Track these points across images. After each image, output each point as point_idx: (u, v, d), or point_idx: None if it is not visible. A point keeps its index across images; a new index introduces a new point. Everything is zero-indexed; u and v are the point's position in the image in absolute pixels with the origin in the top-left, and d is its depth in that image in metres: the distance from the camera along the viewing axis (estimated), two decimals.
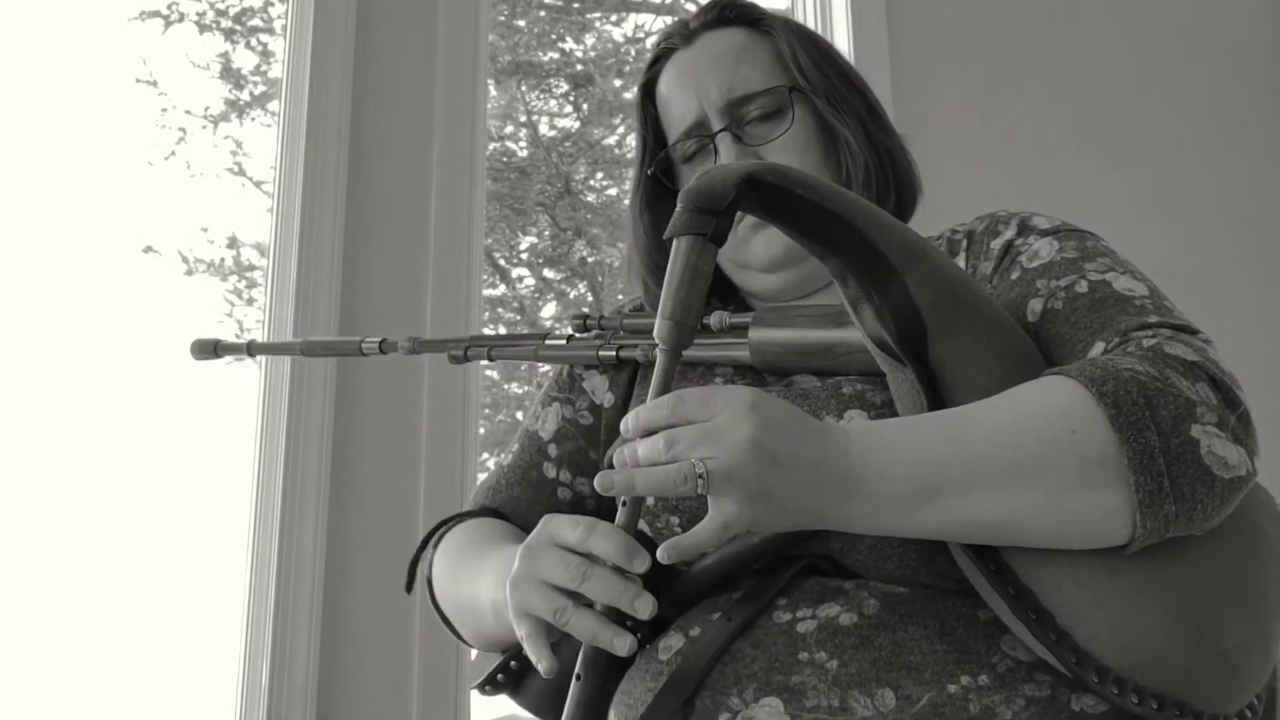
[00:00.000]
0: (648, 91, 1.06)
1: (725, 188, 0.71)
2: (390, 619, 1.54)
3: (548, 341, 1.02)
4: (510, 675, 0.92)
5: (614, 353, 0.98)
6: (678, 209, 0.72)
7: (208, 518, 1.81)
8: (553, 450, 1.04)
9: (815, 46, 1.02)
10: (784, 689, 0.72)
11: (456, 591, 0.95)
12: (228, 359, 1.10)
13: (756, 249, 0.98)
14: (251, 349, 1.08)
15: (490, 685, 0.93)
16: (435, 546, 1.00)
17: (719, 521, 0.67)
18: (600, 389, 1.04)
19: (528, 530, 1.01)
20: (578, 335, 1.02)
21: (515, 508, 1.04)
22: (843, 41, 2.04)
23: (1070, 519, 0.68)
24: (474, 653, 1.01)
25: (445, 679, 1.55)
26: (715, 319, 0.95)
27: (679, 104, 1.01)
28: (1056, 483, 0.68)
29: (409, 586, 1.03)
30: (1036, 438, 0.69)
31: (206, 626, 1.70)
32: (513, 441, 1.08)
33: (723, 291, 1.08)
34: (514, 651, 0.91)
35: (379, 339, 1.03)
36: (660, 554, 0.68)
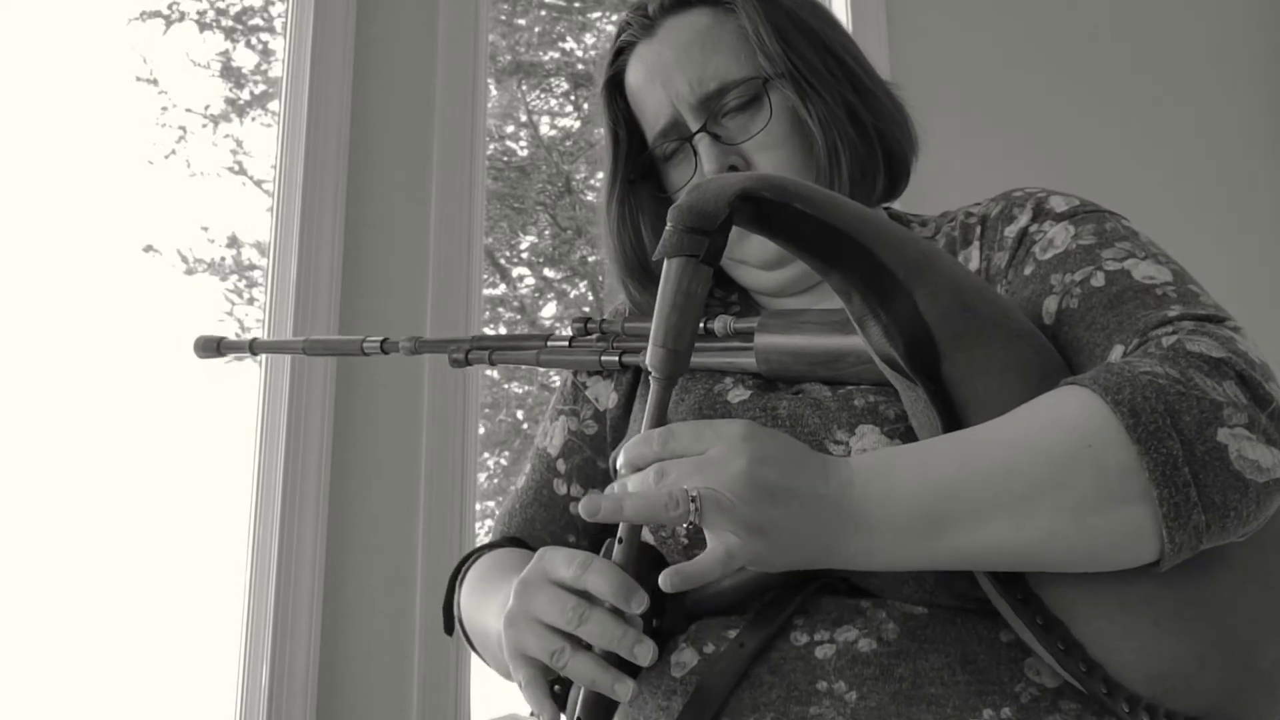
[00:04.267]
0: (616, 84, 1.00)
1: (718, 206, 0.67)
2: (390, 619, 1.54)
3: (549, 344, 0.99)
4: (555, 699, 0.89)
5: (617, 358, 0.95)
6: (668, 228, 0.68)
7: (208, 517, 1.81)
8: (561, 466, 1.01)
9: (785, 15, 0.94)
10: None
11: (475, 626, 0.92)
12: (229, 358, 1.10)
13: (752, 247, 0.94)
14: (254, 347, 1.07)
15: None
16: (461, 585, 0.98)
17: (722, 550, 0.63)
18: (604, 394, 1.01)
19: None
20: (579, 338, 0.98)
21: (531, 530, 1.02)
22: None
23: (1092, 539, 0.64)
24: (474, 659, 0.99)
25: (445, 679, 1.54)
26: (720, 324, 0.90)
27: (650, 102, 0.96)
28: (1074, 502, 0.64)
29: (449, 629, 1.00)
30: (1049, 456, 0.64)
31: (206, 626, 1.70)
32: (526, 462, 1.06)
33: (724, 279, 1.03)
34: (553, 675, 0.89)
35: (380, 339, 1.02)
36: (662, 581, 0.64)
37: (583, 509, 0.66)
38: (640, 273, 1.00)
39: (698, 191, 0.69)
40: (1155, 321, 0.72)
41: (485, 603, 0.89)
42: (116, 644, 1.69)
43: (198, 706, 1.65)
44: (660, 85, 0.94)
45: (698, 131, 0.93)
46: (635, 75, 0.97)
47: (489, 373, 2.95)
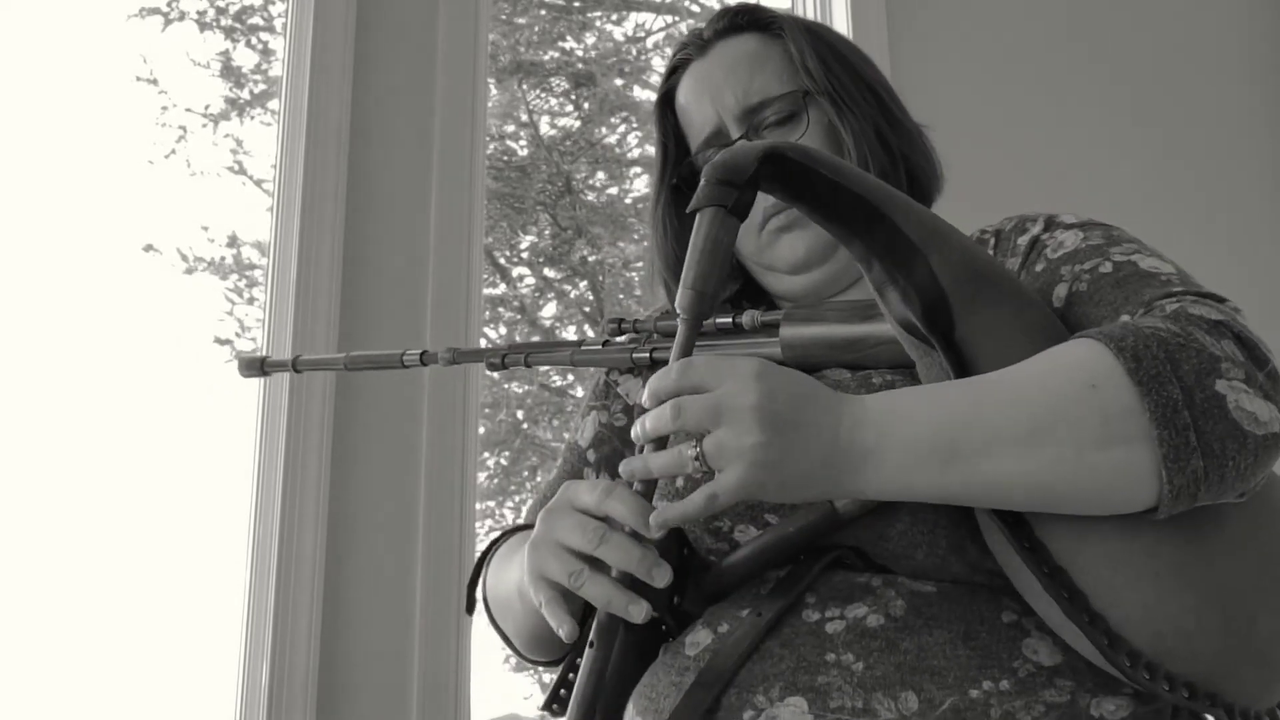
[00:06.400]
0: (668, 100, 1.07)
1: (747, 161, 0.73)
2: (390, 619, 1.54)
3: (583, 347, 1.03)
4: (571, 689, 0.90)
5: (647, 354, 0.99)
6: (701, 182, 0.74)
7: (208, 517, 1.81)
8: (591, 456, 1.05)
9: (826, 46, 1.03)
10: (809, 689, 0.72)
11: (500, 589, 0.96)
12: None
13: (782, 251, 1.00)
14: (297, 365, 1.07)
15: (557, 704, 0.91)
16: (488, 565, 1.02)
17: (708, 492, 0.68)
18: (634, 390, 1.05)
19: None
20: (613, 340, 1.03)
21: None
22: None
23: (1092, 477, 0.67)
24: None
25: (445, 679, 1.54)
26: (747, 318, 0.96)
27: (698, 114, 1.03)
28: (1077, 439, 0.67)
29: (470, 608, 1.03)
30: (1055, 395, 0.68)
31: (206, 626, 1.70)
32: (558, 457, 1.10)
33: (753, 294, 1.09)
34: (570, 663, 0.90)
35: (419, 351, 1.03)
36: (650, 522, 0.70)
37: (621, 470, 0.73)
38: (679, 272, 1.06)
39: (729, 150, 0.75)
40: (1160, 295, 0.77)
41: (509, 564, 0.93)
42: (117, 643, 1.69)
43: (198, 706, 1.65)
44: (709, 99, 1.02)
45: (738, 139, 1.00)
46: (686, 90, 1.05)
47: (489, 373, 2.96)
